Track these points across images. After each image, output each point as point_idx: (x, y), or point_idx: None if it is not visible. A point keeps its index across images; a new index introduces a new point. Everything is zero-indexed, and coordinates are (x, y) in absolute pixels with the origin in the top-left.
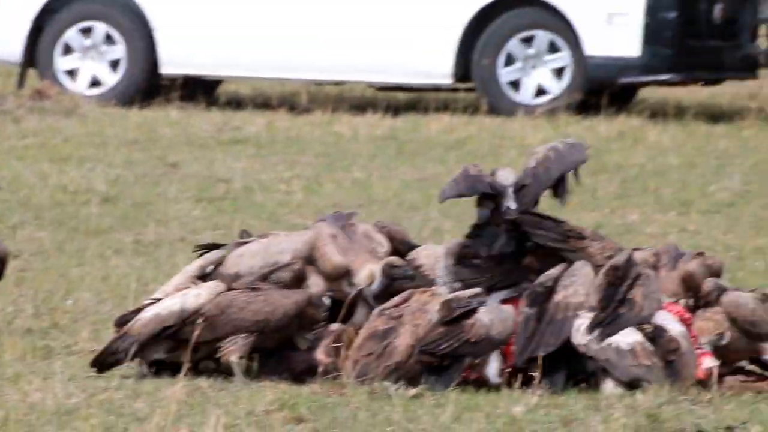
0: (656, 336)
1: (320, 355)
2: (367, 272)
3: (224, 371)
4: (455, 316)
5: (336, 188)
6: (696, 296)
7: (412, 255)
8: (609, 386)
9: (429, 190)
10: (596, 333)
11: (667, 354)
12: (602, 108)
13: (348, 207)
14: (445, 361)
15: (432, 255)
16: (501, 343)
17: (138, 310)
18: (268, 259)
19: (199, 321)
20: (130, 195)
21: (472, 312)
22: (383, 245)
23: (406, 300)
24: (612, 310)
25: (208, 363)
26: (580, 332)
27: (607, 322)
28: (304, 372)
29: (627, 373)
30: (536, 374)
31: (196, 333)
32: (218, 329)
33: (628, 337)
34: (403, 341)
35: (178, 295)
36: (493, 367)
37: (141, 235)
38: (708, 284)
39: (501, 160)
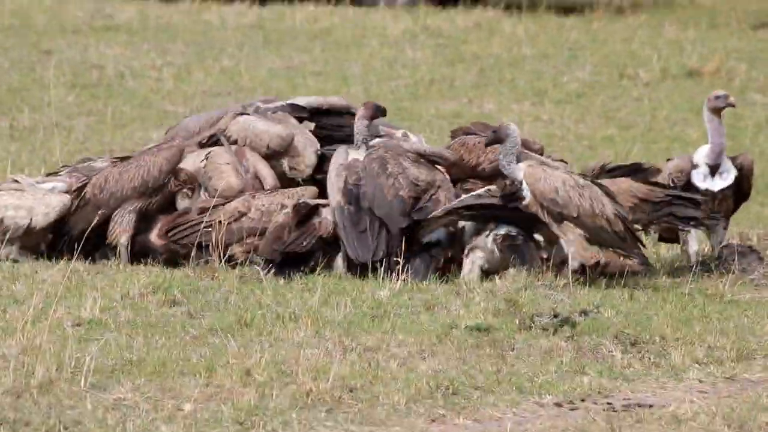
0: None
1: (154, 238)
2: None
3: (101, 255)
4: (303, 218)
5: (205, 76)
6: None
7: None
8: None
9: (294, 78)
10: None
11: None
12: (460, 0)
13: (217, 94)
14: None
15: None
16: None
17: None
18: None
19: (82, 204)
20: (6, 80)
21: (315, 210)
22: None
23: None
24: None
25: None
26: None
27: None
28: (140, 254)
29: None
30: (399, 260)
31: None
32: (103, 206)
33: None
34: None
35: (24, 206)
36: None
37: (16, 120)
38: None
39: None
